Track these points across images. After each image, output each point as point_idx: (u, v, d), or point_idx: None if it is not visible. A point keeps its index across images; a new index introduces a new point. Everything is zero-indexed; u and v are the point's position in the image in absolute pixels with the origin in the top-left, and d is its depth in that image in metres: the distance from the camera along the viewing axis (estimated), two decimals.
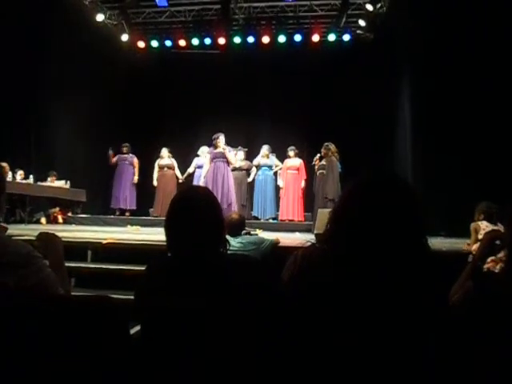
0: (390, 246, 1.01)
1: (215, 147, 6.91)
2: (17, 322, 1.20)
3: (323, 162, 6.96)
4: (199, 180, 8.26)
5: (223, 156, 6.87)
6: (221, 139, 6.85)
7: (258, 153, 8.54)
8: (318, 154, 7.16)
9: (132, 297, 1.46)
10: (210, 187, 6.48)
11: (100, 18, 9.37)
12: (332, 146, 6.88)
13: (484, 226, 3.72)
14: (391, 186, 1.07)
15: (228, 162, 6.90)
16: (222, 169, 6.84)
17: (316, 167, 7.22)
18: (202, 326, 1.20)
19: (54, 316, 1.19)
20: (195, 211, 1.38)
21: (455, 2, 5.86)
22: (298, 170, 8.27)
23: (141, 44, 10.30)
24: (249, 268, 1.34)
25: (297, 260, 1.13)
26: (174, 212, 1.42)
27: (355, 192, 1.09)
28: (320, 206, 6.35)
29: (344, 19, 9.15)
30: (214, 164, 6.86)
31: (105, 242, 4.08)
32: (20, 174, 7.67)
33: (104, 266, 3.86)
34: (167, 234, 1.42)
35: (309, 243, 1.17)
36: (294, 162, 8.26)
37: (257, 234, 4.18)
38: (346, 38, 9.74)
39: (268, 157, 8.38)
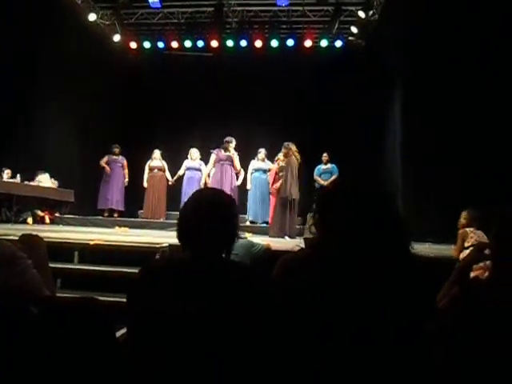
0: (375, 251, 1.02)
1: (225, 150, 7.07)
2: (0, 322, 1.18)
3: (283, 164, 6.92)
4: (191, 182, 8.25)
5: (231, 160, 7.08)
6: (233, 144, 7.10)
7: (250, 156, 8.53)
8: (280, 153, 7.17)
9: (119, 299, 1.44)
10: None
11: (92, 17, 9.32)
12: (292, 146, 6.87)
13: (472, 234, 3.73)
14: (374, 194, 1.10)
15: (234, 167, 7.13)
16: (230, 173, 7.08)
17: (277, 167, 7.19)
18: (197, 329, 1.19)
19: (39, 317, 1.17)
20: (218, 213, 1.37)
21: (447, 11, 5.94)
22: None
23: (133, 45, 10.26)
24: (243, 273, 1.34)
25: (284, 264, 1.14)
26: (194, 209, 1.38)
27: (340, 199, 1.10)
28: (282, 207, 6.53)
29: (336, 25, 9.22)
30: (222, 166, 7.03)
31: (92, 243, 4.03)
32: (7, 173, 7.56)
33: (91, 268, 3.81)
34: (183, 229, 1.38)
35: (297, 247, 1.17)
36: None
37: (246, 238, 4.16)
38: (338, 44, 9.84)
39: (264, 160, 8.39)
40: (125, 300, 1.35)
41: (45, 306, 1.22)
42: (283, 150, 6.94)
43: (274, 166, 8.33)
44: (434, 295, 1.08)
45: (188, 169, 8.41)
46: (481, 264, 2.63)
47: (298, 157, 6.83)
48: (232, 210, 1.42)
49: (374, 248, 1.03)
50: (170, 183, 8.70)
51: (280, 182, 6.80)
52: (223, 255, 1.40)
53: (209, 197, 1.44)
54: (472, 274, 2.89)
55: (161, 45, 10.22)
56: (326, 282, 1.01)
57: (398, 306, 1.00)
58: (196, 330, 1.20)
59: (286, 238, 6.46)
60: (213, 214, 1.36)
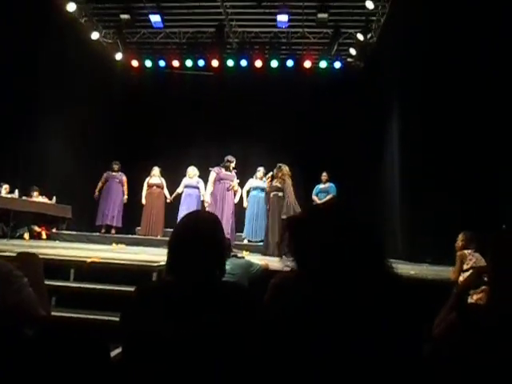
0: (355, 270, 1.03)
1: (226, 169, 7.18)
2: None
3: (277, 184, 6.99)
4: (189, 200, 8.26)
5: (231, 179, 7.20)
6: (233, 163, 7.24)
7: (248, 174, 8.56)
8: (271, 173, 7.26)
9: (115, 318, 1.43)
10: (215, 207, 6.84)
11: (95, 36, 9.47)
12: (285, 168, 6.96)
13: (471, 257, 3.71)
14: (350, 217, 1.12)
15: (232, 186, 7.28)
16: (229, 191, 7.19)
17: (267, 186, 7.25)
18: (189, 351, 1.19)
19: (33, 340, 1.16)
20: (202, 236, 1.37)
21: (444, 34, 6.04)
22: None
23: (134, 63, 10.41)
24: (239, 296, 1.34)
25: (275, 286, 1.16)
26: (180, 234, 1.40)
27: (315, 225, 1.12)
28: (276, 227, 6.63)
29: (335, 47, 9.37)
30: (222, 185, 7.12)
31: (89, 260, 4.00)
32: (5, 188, 7.56)
33: (87, 286, 3.77)
34: (170, 255, 1.39)
35: (287, 268, 1.18)
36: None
37: (243, 257, 4.14)
38: (337, 65, 10.01)
39: (262, 179, 8.41)
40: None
41: (39, 328, 1.21)
42: (275, 170, 7.06)
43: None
44: (417, 313, 1.08)
45: (186, 186, 8.42)
46: (483, 287, 2.62)
47: (289, 179, 6.94)
48: (216, 231, 1.42)
49: (356, 269, 1.04)
50: (168, 201, 8.69)
51: (278, 203, 6.87)
52: (216, 275, 1.40)
53: (190, 222, 1.44)
54: (473, 298, 2.88)
55: (162, 63, 10.37)
56: (315, 300, 1.02)
57: (384, 322, 1.00)
58: (188, 352, 1.19)
59: (284, 257, 6.43)
60: (194, 239, 1.36)
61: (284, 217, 6.61)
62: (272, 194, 6.99)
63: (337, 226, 1.09)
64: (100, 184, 8.84)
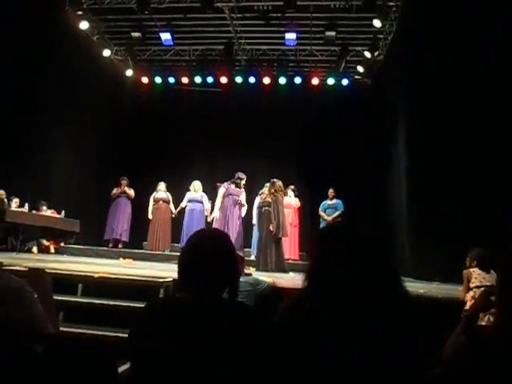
0: (367, 290, 1.04)
1: (236, 185, 7.30)
2: (3, 358, 1.18)
3: (268, 199, 7.01)
4: (193, 214, 8.28)
5: (238, 195, 7.32)
6: (244, 181, 7.39)
7: (255, 191, 8.58)
8: (265, 188, 7.31)
9: (122, 334, 1.43)
10: (222, 223, 6.94)
11: (107, 53, 9.66)
12: (278, 183, 6.97)
13: (476, 275, 3.67)
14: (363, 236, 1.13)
15: (240, 202, 7.40)
16: (237, 207, 7.30)
17: (260, 201, 7.27)
18: (196, 370, 1.19)
19: (42, 357, 1.17)
20: (213, 253, 1.38)
21: (450, 51, 6.08)
22: (293, 208, 8.33)
23: (144, 80, 10.57)
24: (243, 314, 1.34)
25: (284, 309, 1.17)
26: (191, 251, 1.41)
27: (324, 246, 1.14)
28: (266, 241, 6.63)
29: (343, 65, 9.45)
30: (230, 200, 7.25)
31: (97, 275, 4.01)
32: (15, 202, 7.64)
33: (94, 301, 3.78)
34: (181, 272, 1.40)
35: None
36: (290, 200, 8.30)
37: (251, 274, 4.14)
38: (345, 82, 10.09)
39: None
40: (127, 335, 1.35)
41: (48, 345, 1.23)
42: (269, 185, 7.08)
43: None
44: (422, 333, 1.08)
45: (190, 201, 8.44)
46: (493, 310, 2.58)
47: (282, 194, 6.98)
48: (232, 253, 1.43)
49: (367, 287, 1.05)
50: (172, 215, 8.71)
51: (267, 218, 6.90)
52: (225, 295, 1.41)
53: (210, 240, 1.44)
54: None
55: (171, 80, 10.53)
56: (318, 310, 1.04)
57: (380, 330, 1.01)
58: (195, 369, 1.19)
59: (291, 273, 6.40)
60: (213, 258, 1.37)
61: (273, 230, 6.63)
62: (263, 209, 7.03)
63: (349, 245, 1.11)
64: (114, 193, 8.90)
